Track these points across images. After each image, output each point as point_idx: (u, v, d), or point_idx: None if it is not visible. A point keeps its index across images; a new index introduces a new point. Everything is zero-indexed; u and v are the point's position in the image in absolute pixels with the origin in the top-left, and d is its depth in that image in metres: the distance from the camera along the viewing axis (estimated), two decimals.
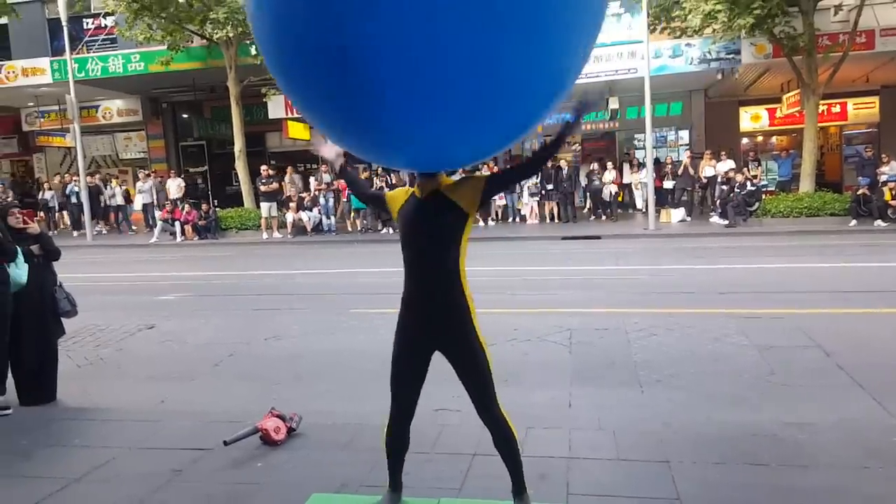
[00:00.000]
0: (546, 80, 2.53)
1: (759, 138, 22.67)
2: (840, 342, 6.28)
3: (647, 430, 4.32)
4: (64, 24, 19.21)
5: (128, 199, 21.45)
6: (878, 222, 15.45)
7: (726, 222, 16.39)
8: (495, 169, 19.45)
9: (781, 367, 5.72)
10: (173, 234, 18.94)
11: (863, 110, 21.49)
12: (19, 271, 5.25)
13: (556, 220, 18.85)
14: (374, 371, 6.39)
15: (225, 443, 4.21)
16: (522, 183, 19.06)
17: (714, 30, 16.33)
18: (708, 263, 11.58)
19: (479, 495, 3.52)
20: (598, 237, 15.83)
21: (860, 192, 16.24)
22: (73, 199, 21.01)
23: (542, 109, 2.69)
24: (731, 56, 17.37)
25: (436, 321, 2.99)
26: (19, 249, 5.27)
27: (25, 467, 4.20)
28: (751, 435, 4.18)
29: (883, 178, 16.34)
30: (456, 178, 3.10)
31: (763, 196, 17.48)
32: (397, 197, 3.15)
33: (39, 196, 22.18)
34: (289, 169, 20.53)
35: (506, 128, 2.67)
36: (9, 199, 19.27)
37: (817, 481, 3.57)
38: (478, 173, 3.11)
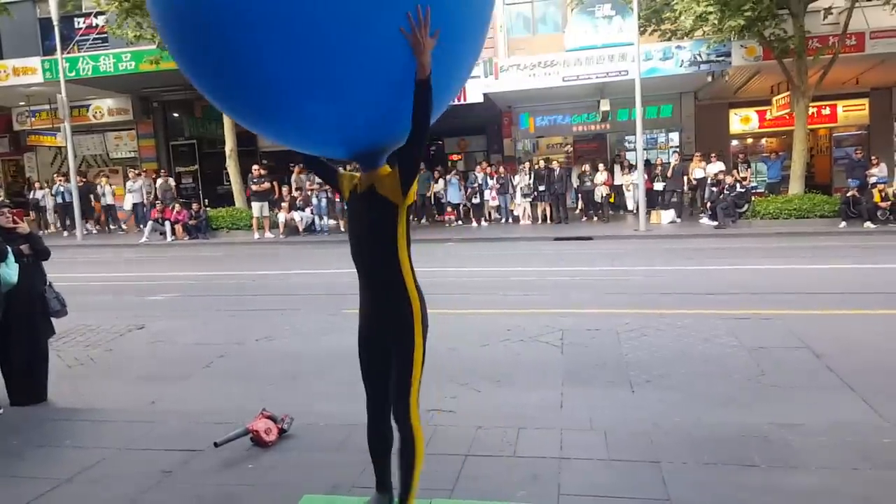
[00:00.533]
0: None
1: (749, 140, 22.78)
2: (830, 344, 6.32)
3: (638, 431, 4.34)
4: (55, 23, 19.12)
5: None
6: (868, 224, 15.56)
7: (716, 224, 16.47)
8: (488, 169, 19.51)
9: (772, 369, 5.75)
10: (163, 233, 18.87)
11: (853, 112, 21.60)
12: (9, 271, 5.23)
13: (549, 221, 18.90)
14: None
15: (216, 444, 4.20)
16: (515, 184, 19.13)
17: (705, 32, 16.40)
18: (698, 265, 11.63)
19: (471, 496, 3.52)
20: (589, 238, 15.87)
21: (850, 194, 16.35)
22: (60, 199, 20.95)
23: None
24: (721, 58, 17.44)
25: (380, 316, 2.97)
26: (9, 249, 5.25)
27: (16, 467, 4.19)
28: (741, 436, 4.20)
29: (872, 180, 16.48)
30: None
31: (752, 198, 17.58)
32: (345, 183, 3.10)
33: (30, 196, 22.08)
34: (296, 169, 20.41)
35: (379, 83, 2.61)
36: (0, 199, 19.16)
37: (808, 482, 3.59)
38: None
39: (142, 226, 19.80)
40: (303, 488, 3.70)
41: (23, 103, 22.78)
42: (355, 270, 2.99)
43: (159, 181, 20.89)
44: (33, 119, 23.29)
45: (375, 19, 2.43)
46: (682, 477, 3.68)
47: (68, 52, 20.06)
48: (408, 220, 2.93)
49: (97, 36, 21.25)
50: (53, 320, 5.73)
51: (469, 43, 2.90)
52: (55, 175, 22.18)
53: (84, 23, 21.84)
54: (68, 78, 19.37)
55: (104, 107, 23.34)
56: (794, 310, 7.78)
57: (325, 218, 18.97)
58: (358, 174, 3.06)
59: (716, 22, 15.34)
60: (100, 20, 20.46)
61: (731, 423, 4.54)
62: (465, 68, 3.03)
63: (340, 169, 3.21)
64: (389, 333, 2.97)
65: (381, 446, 3.19)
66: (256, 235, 18.58)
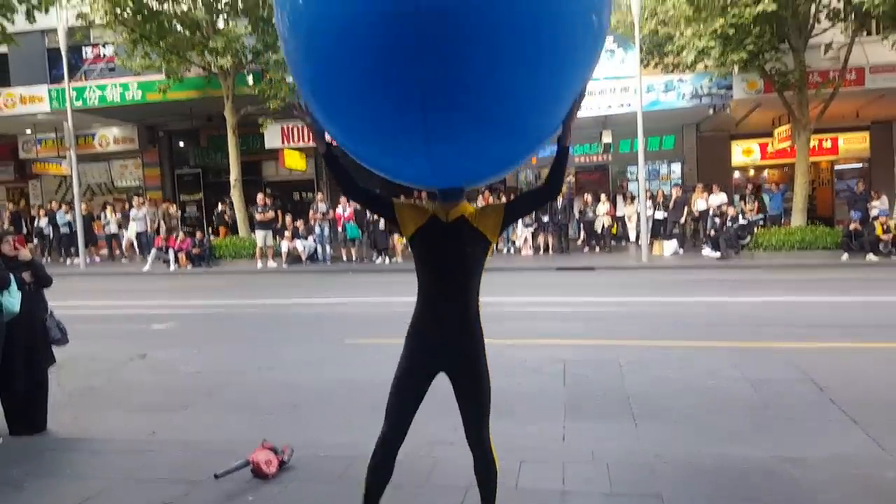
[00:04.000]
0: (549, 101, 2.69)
1: (751, 172, 22.88)
2: (833, 376, 6.29)
3: (641, 463, 4.31)
4: (63, 53, 19.34)
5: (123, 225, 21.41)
6: (870, 256, 15.56)
7: (718, 255, 16.48)
8: (490, 199, 19.58)
9: (774, 401, 5.72)
10: (167, 262, 18.88)
11: (854, 145, 21.74)
12: (12, 300, 5.20)
13: (550, 252, 18.92)
14: (368, 402, 6.35)
15: (216, 476, 4.18)
16: None
17: (706, 65, 16.57)
18: (700, 296, 11.61)
19: None
20: (591, 268, 15.87)
21: (851, 226, 16.37)
22: (66, 229, 20.94)
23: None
24: (722, 91, 17.60)
25: (450, 345, 2.97)
26: (13, 277, 5.25)
27: (15, 499, 4.16)
28: (744, 469, 4.17)
29: (874, 212, 16.52)
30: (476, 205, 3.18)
31: (755, 229, 17.60)
32: (411, 214, 2.99)
33: (35, 224, 22.14)
34: (319, 195, 20.46)
35: (518, 142, 2.83)
36: (4, 227, 19.29)
37: None
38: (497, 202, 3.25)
39: (146, 254, 19.79)
40: None
41: (29, 131, 22.98)
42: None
43: (164, 207, 20.98)
44: (39, 147, 23.46)
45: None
46: None
47: (76, 82, 20.27)
48: None
49: (105, 65, 21.50)
50: (54, 348, 5.73)
51: None
52: (51, 203, 22.23)
53: (92, 52, 22.12)
54: (75, 107, 19.55)
55: (110, 135, 23.52)
56: (796, 342, 7.75)
57: (328, 247, 19.00)
58: (425, 205, 3.10)
59: (717, 56, 15.51)
60: (107, 50, 20.71)
61: (733, 456, 4.51)
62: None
63: (395, 199, 3.05)
64: (454, 363, 2.99)
65: (384, 476, 3.08)
66: (259, 264, 18.55)
